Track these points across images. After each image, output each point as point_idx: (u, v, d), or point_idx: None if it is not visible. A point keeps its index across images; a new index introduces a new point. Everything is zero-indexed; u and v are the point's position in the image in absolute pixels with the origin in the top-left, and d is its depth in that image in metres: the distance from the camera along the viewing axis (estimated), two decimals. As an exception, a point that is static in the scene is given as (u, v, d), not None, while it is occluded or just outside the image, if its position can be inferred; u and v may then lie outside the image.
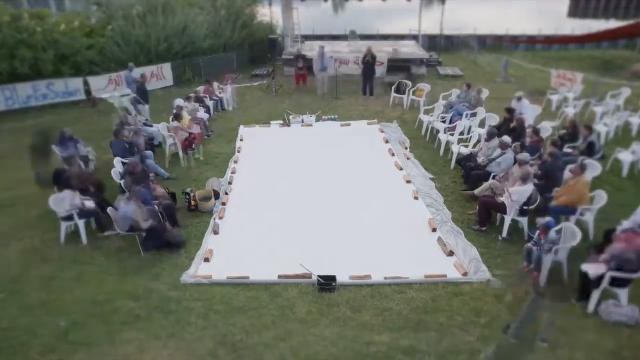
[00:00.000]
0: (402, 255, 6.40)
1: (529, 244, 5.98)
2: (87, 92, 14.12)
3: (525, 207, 6.61)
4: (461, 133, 9.89)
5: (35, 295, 5.69)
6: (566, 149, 8.43)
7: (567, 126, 9.15)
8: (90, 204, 6.98)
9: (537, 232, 5.98)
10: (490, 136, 8.58)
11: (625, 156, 8.64)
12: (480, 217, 7.01)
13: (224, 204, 7.88)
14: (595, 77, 13.80)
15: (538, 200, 6.69)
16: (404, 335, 4.92)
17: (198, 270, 6.13)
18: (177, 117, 9.94)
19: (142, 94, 12.00)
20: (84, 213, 6.82)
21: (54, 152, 8.55)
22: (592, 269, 5.26)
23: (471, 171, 8.14)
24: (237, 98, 13.90)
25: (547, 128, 9.43)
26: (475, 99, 11.32)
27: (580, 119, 10.81)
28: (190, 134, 9.93)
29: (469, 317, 5.21)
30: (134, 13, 16.07)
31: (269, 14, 19.65)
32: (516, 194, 6.56)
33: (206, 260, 6.31)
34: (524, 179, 6.59)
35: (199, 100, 12.11)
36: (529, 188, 6.57)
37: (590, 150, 8.31)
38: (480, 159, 8.38)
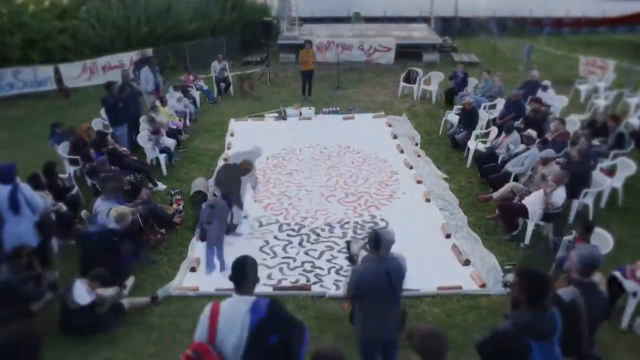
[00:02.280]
0: (412, 265, 6.34)
1: (563, 256, 5.93)
2: (59, 81, 14.13)
3: (550, 211, 6.61)
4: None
5: (1, 310, 5.68)
6: (594, 142, 8.46)
7: (599, 120, 9.17)
8: (64, 207, 6.97)
9: (567, 239, 5.97)
10: (509, 130, 8.58)
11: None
12: (506, 223, 7.01)
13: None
14: (629, 65, 13.81)
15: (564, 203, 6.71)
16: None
17: (183, 281, 6.13)
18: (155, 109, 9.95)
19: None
20: (61, 218, 6.80)
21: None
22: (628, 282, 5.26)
23: (489, 174, 8.14)
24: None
25: (574, 122, 9.44)
26: (495, 87, 11.34)
27: (613, 112, 10.81)
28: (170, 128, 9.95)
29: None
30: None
31: (263, -7, 19.72)
32: (554, 199, 6.51)
33: (192, 270, 6.32)
34: (561, 182, 6.54)
35: (184, 90, 12.12)
36: (562, 192, 6.55)
37: (620, 143, 8.34)
38: (501, 154, 8.39)
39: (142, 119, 10.02)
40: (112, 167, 7.73)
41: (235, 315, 2.94)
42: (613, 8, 21.58)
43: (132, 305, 5.52)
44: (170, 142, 9.50)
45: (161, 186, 8.49)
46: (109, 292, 5.41)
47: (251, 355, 2.88)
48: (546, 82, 11.10)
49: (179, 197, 7.94)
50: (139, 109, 10.23)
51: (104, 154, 8.10)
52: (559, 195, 6.52)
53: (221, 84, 13.97)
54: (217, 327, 2.95)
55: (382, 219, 7.46)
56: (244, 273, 3.07)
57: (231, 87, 14.06)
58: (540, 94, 10.61)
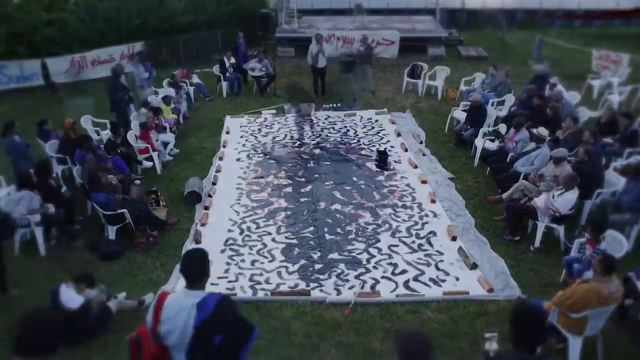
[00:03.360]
0: (417, 269, 6.41)
1: (571, 256, 5.94)
2: (46, 76, 14.13)
3: (561, 213, 6.60)
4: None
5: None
6: (606, 140, 8.46)
7: (607, 116, 9.16)
8: (52, 208, 6.96)
9: (579, 241, 5.97)
10: (518, 126, 8.56)
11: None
12: (510, 224, 7.01)
13: (206, 208, 7.88)
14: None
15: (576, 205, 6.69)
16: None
17: (177, 286, 6.12)
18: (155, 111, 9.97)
19: None
20: (48, 220, 6.81)
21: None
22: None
23: (498, 174, 8.15)
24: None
25: (584, 113, 9.50)
26: (502, 83, 11.31)
27: (627, 108, 10.80)
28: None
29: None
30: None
31: (260, -16, 19.72)
32: (561, 204, 6.52)
33: (186, 274, 6.31)
34: (569, 185, 6.54)
35: (177, 86, 12.13)
36: (574, 195, 6.54)
37: (633, 140, 8.34)
38: (509, 151, 8.40)
39: (133, 116, 10.05)
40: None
41: (178, 309, 3.03)
42: (627, 0, 21.55)
43: (119, 308, 5.54)
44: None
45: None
46: (93, 292, 5.43)
47: (195, 352, 2.99)
48: (554, 80, 11.09)
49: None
50: (128, 105, 10.28)
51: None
52: (568, 199, 6.50)
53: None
54: (160, 317, 3.07)
55: (384, 221, 7.47)
56: (192, 267, 3.15)
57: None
58: (547, 92, 10.59)
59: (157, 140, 9.42)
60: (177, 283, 6.17)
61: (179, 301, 3.08)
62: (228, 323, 3.03)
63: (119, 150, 8.63)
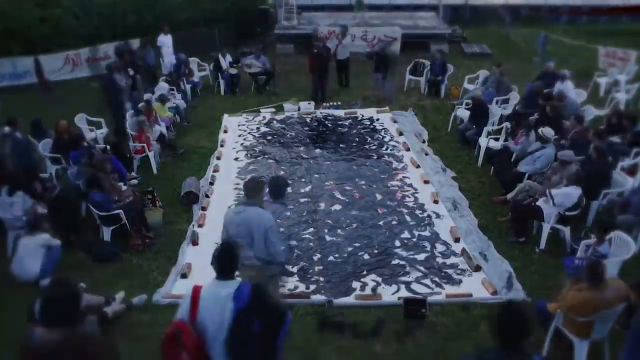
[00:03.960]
0: (419, 270, 6.41)
1: (569, 258, 5.95)
2: (39, 74, 14.13)
3: (567, 214, 6.60)
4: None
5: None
6: (613, 139, 8.46)
7: (612, 115, 9.15)
8: (43, 209, 6.96)
9: (585, 242, 5.97)
10: (528, 128, 8.52)
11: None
12: (515, 225, 7.00)
13: (204, 209, 7.88)
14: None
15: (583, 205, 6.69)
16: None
17: (174, 289, 6.13)
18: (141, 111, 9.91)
19: None
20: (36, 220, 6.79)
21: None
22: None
23: (502, 174, 8.14)
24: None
25: (591, 112, 9.50)
26: (499, 82, 11.28)
27: (635, 107, 10.80)
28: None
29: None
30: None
31: (258, -20, 19.72)
32: (560, 196, 6.52)
33: (183, 276, 6.31)
34: (573, 181, 6.54)
35: (174, 83, 12.12)
36: (576, 190, 6.54)
37: (638, 140, 8.35)
38: (514, 151, 8.40)
39: (129, 114, 10.04)
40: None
41: (214, 300, 3.20)
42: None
43: (114, 313, 5.54)
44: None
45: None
46: (93, 299, 5.43)
47: (235, 341, 3.13)
48: (564, 72, 11.06)
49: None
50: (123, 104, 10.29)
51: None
52: (568, 192, 6.50)
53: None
54: (198, 309, 3.23)
55: (386, 222, 7.45)
56: (225, 258, 3.32)
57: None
58: (558, 86, 10.57)
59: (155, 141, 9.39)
60: (174, 285, 6.18)
61: (214, 292, 3.23)
62: (264, 309, 3.18)
63: (127, 155, 8.65)
